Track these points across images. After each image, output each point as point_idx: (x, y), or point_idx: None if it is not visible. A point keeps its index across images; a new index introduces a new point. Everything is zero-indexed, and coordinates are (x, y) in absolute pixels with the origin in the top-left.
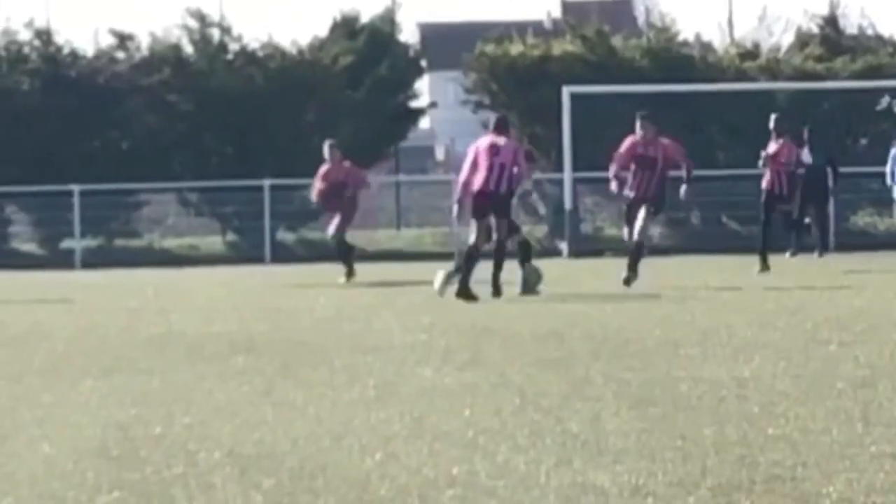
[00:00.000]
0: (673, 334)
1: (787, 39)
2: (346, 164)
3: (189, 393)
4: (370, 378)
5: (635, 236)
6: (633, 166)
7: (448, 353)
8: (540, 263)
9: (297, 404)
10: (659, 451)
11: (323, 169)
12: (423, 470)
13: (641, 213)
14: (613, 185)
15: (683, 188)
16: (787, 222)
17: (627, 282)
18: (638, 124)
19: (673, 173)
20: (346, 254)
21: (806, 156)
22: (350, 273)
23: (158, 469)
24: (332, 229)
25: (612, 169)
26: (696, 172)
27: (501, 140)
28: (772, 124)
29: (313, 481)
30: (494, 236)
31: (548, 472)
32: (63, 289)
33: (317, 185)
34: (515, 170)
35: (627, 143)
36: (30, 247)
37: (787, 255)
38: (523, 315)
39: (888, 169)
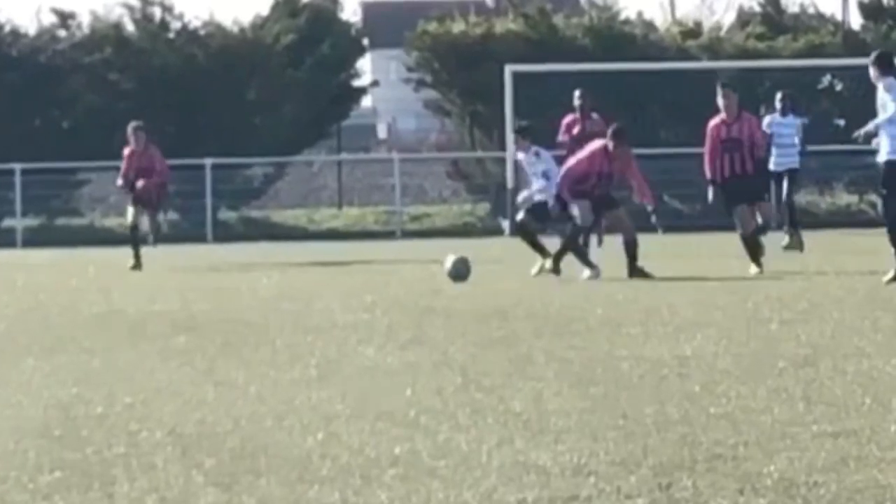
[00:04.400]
0: (615, 313)
1: (729, 18)
2: (153, 150)
3: (131, 372)
4: (312, 357)
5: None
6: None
7: (390, 333)
8: (481, 242)
9: (238, 384)
10: (601, 430)
11: (126, 152)
12: (365, 449)
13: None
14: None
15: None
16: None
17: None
18: (721, 93)
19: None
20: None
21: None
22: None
23: (100, 449)
24: (144, 221)
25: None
26: (638, 150)
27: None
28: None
29: (255, 461)
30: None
31: (489, 451)
32: (4, 268)
33: (123, 167)
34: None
35: (713, 123)
36: None
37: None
38: (466, 294)
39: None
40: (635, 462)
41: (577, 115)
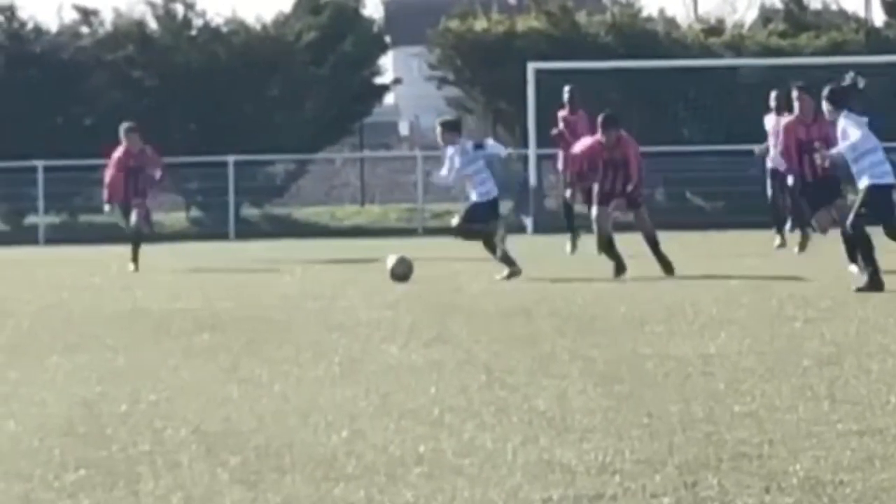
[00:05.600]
0: (639, 311)
1: (751, 15)
2: (148, 149)
3: (155, 370)
4: (336, 355)
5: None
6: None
7: (414, 330)
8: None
9: (262, 382)
10: (625, 428)
11: (117, 154)
12: (390, 447)
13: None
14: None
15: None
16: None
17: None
18: (795, 95)
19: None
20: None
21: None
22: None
23: (124, 447)
24: (134, 218)
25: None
26: (660, 148)
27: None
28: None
29: (280, 459)
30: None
31: (514, 449)
32: (27, 265)
33: (110, 172)
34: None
35: (788, 122)
36: None
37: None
38: (489, 292)
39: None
40: (660, 460)
41: (567, 111)
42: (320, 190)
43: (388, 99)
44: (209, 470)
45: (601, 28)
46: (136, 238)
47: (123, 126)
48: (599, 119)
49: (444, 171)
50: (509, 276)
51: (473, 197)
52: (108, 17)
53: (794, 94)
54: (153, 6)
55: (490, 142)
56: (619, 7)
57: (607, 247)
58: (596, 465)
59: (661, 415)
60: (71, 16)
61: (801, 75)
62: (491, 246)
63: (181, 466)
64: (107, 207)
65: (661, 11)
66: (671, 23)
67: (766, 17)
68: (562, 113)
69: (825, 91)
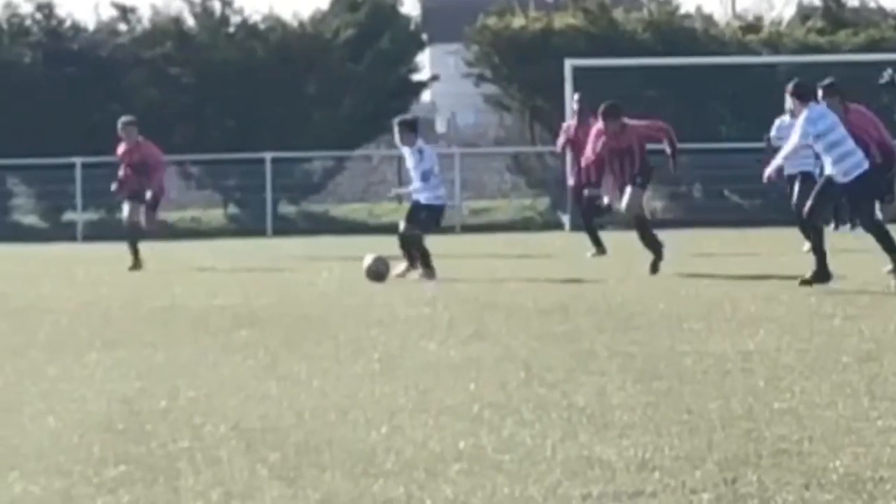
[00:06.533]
0: (677, 308)
1: (789, 12)
2: (146, 144)
3: (194, 366)
4: (374, 352)
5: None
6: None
7: (452, 327)
8: (542, 236)
9: (301, 378)
10: (665, 424)
11: (120, 150)
12: (429, 444)
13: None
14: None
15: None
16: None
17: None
18: (821, 94)
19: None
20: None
21: None
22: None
23: (164, 443)
24: (137, 215)
25: None
26: (698, 146)
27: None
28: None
29: (319, 455)
30: None
31: (554, 445)
32: (65, 262)
33: (121, 168)
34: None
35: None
36: (31, 219)
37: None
38: (527, 289)
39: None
40: (700, 457)
41: (574, 120)
42: (357, 187)
43: (425, 96)
44: (248, 466)
45: (638, 25)
46: (133, 235)
47: (121, 120)
48: (601, 109)
49: (415, 184)
50: (403, 274)
51: (422, 199)
52: (145, 15)
53: (820, 93)
54: (191, 3)
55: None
56: (656, 4)
57: (643, 228)
58: (635, 462)
59: (701, 411)
60: (108, 13)
61: (839, 73)
62: (409, 246)
63: (221, 462)
64: (119, 197)
65: (699, 9)
66: (708, 20)
67: (804, 14)
68: (568, 122)
69: (789, 86)
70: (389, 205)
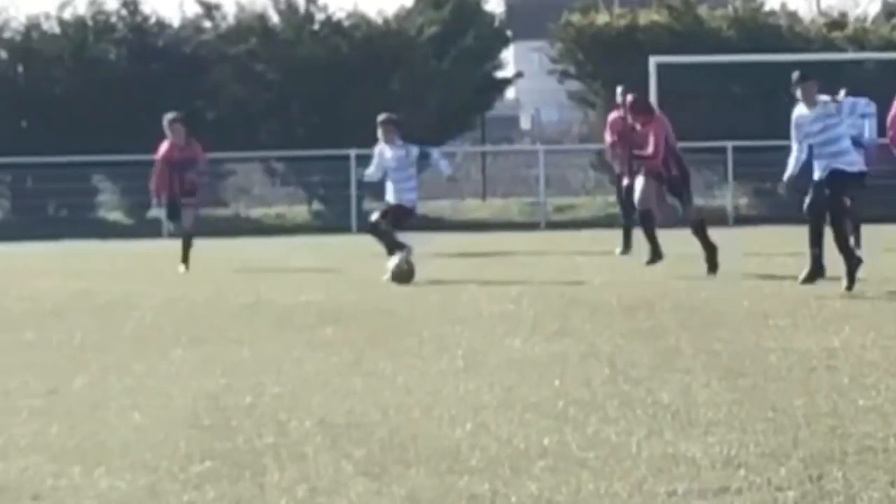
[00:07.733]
0: (762, 305)
1: (874, 9)
2: (194, 142)
3: (279, 363)
4: (459, 348)
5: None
6: None
7: (536, 324)
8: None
9: (386, 374)
10: (750, 422)
11: (162, 148)
12: (514, 440)
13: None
14: None
15: None
16: None
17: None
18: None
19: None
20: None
21: None
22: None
23: (250, 438)
24: (187, 218)
25: None
26: (783, 142)
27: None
28: None
29: (404, 451)
30: None
31: (639, 442)
32: (150, 259)
33: (157, 167)
34: None
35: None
36: (116, 216)
37: None
38: (611, 285)
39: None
40: (785, 454)
41: (620, 112)
42: (442, 183)
43: (510, 93)
44: (334, 462)
45: (723, 22)
46: (188, 238)
47: (167, 117)
48: (628, 101)
49: (371, 169)
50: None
51: (395, 201)
52: (230, 11)
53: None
54: (275, 0)
55: (436, 154)
56: (741, 1)
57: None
58: (720, 459)
59: (786, 408)
60: (193, 10)
61: None
62: (393, 245)
63: (306, 458)
64: (153, 204)
65: (783, 5)
66: (793, 17)
67: (888, 10)
68: (613, 115)
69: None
70: (473, 202)
